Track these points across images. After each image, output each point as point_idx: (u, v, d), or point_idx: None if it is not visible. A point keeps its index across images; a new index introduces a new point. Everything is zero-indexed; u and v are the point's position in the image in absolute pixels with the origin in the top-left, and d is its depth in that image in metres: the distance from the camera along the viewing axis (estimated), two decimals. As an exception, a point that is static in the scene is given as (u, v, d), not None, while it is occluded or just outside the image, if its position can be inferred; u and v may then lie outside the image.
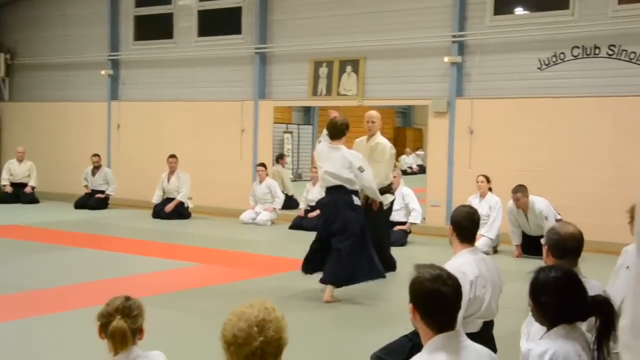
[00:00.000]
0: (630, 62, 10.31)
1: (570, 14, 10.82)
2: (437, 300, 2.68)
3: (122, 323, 3.08)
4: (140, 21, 15.60)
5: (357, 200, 7.22)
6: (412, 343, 4.44)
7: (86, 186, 14.75)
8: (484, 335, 4.23)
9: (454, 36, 11.70)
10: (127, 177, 15.04)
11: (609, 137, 10.38)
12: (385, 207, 8.26)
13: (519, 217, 9.65)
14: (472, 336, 3.21)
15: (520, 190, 9.51)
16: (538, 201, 9.48)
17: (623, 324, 1.17)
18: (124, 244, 10.38)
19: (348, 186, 7.14)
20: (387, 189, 8.34)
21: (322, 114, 23.57)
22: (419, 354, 2.72)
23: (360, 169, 7.13)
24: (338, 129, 7.26)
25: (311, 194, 12.36)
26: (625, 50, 10.34)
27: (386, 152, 8.33)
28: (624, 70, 10.37)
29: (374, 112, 8.49)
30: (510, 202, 9.69)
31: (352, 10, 12.80)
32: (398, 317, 6.29)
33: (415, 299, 2.72)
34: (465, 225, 4.48)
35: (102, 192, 14.62)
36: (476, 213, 4.60)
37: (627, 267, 5.28)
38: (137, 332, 3.16)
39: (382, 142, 8.34)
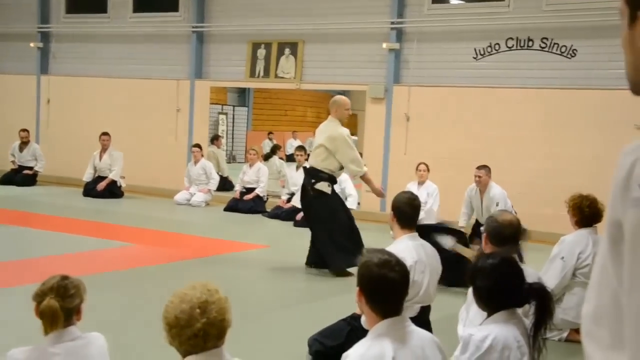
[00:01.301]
0: (561, 55, 10.58)
1: (505, 5, 11.02)
2: (384, 285, 2.69)
3: (53, 302, 3.00)
4: (72, -7, 15.15)
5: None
6: (350, 327, 4.50)
7: (13, 162, 14.30)
8: (421, 320, 4.31)
9: (392, 23, 11.77)
10: (56, 153, 14.64)
11: (540, 128, 10.64)
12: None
13: (474, 200, 9.71)
14: (409, 320, 3.26)
15: (483, 169, 9.61)
16: (495, 187, 9.56)
17: (585, 311, 1.20)
18: (55, 222, 10.10)
19: None
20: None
21: (257, 96, 23.43)
22: (363, 339, 2.73)
23: None
24: None
25: (247, 175, 12.29)
26: (557, 44, 10.60)
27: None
28: (555, 63, 10.63)
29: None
30: (473, 184, 9.72)
31: (292, -8, 12.74)
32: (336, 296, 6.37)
33: (362, 283, 2.73)
34: (406, 211, 4.56)
35: (30, 168, 14.19)
36: (417, 199, 4.69)
37: (562, 257, 5.45)
38: (72, 312, 3.08)
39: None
